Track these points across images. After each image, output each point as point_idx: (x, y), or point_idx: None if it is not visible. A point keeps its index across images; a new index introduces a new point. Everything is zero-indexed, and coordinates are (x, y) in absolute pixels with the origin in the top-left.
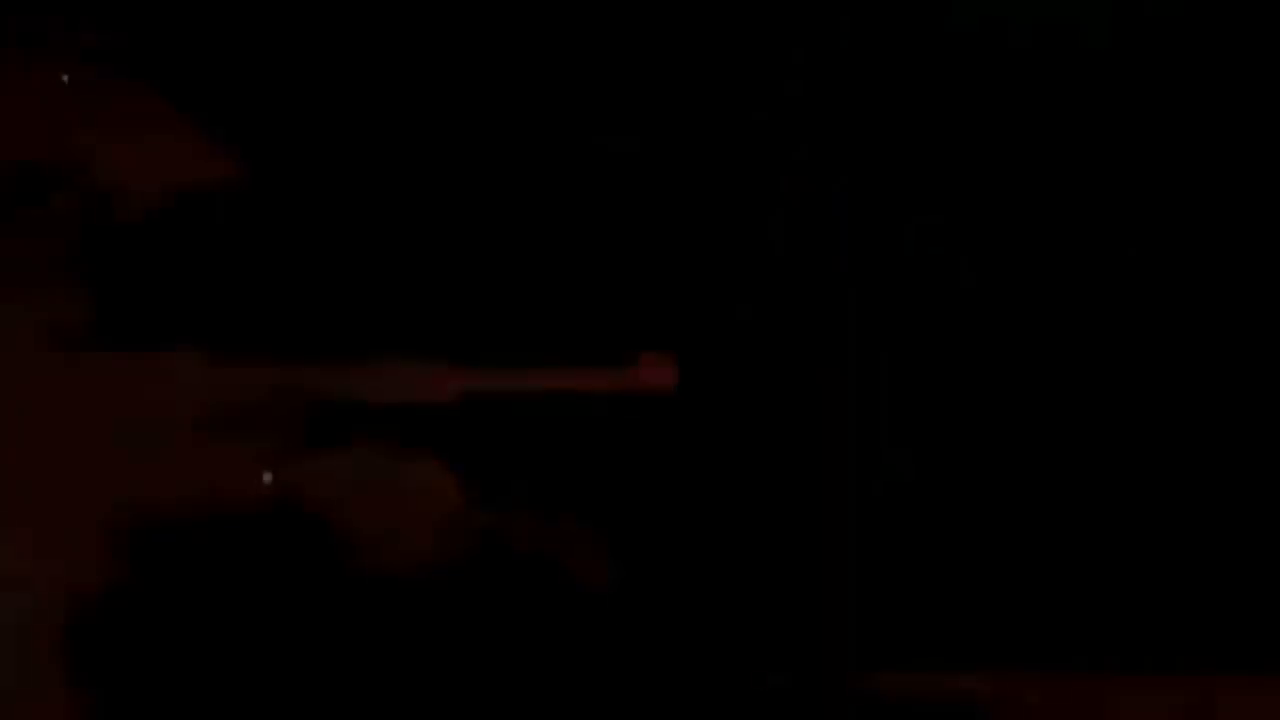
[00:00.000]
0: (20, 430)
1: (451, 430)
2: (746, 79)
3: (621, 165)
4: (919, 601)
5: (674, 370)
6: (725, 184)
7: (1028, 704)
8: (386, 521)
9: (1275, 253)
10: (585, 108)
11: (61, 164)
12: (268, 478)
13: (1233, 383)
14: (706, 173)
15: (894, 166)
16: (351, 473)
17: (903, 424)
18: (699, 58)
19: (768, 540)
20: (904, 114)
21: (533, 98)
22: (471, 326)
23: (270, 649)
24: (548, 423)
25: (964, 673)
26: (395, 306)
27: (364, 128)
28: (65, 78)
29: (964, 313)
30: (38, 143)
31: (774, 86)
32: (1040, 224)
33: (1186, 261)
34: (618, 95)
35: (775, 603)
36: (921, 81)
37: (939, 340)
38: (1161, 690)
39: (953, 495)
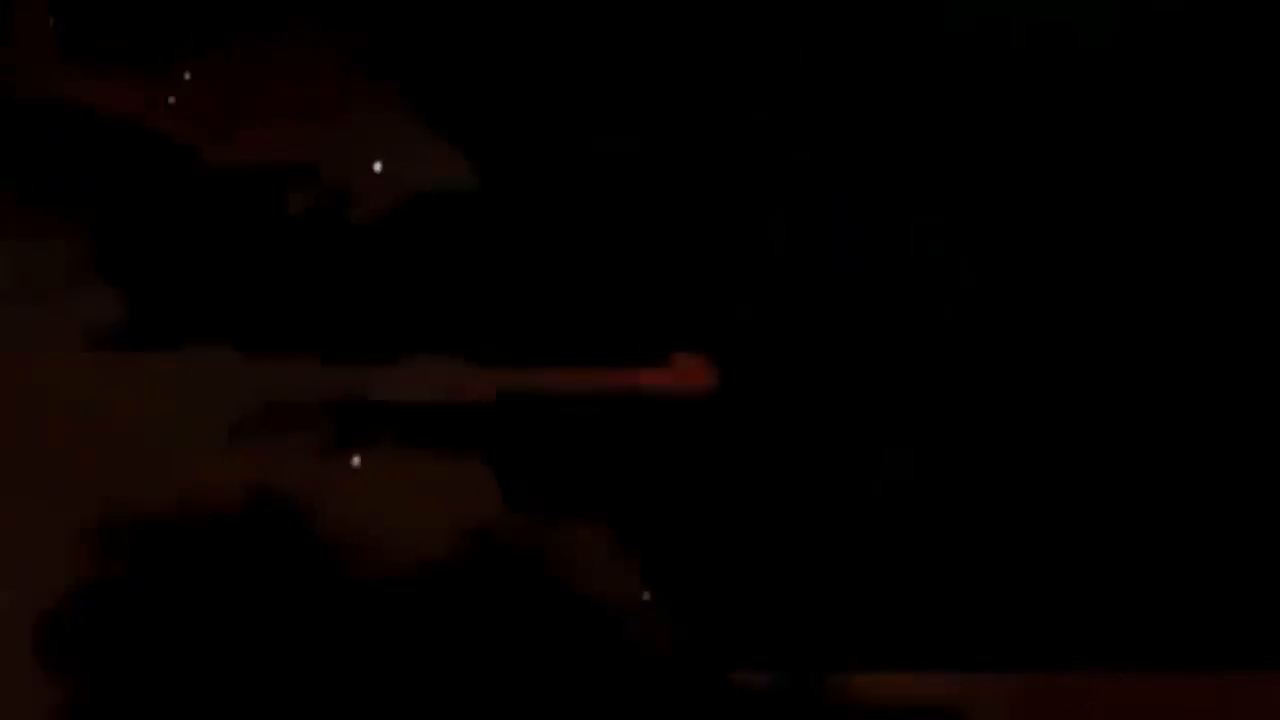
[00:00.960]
0: (44, 429)
1: (477, 430)
2: (747, 79)
3: (626, 166)
4: (918, 601)
5: (698, 371)
6: (724, 184)
7: (1025, 703)
8: (404, 524)
9: (1275, 253)
10: (593, 108)
11: (297, 164)
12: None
13: (1232, 383)
14: (703, 173)
15: (894, 166)
16: (372, 474)
17: (903, 424)
18: (700, 58)
19: (766, 540)
20: (904, 114)
21: (548, 97)
22: (497, 327)
23: (283, 650)
24: (563, 423)
25: (959, 673)
26: (421, 307)
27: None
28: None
29: (964, 313)
30: (275, 143)
31: (774, 87)
32: (1040, 224)
33: (1187, 261)
34: (623, 96)
35: (771, 602)
36: (921, 81)
37: (938, 340)
38: (1159, 689)
39: (951, 495)
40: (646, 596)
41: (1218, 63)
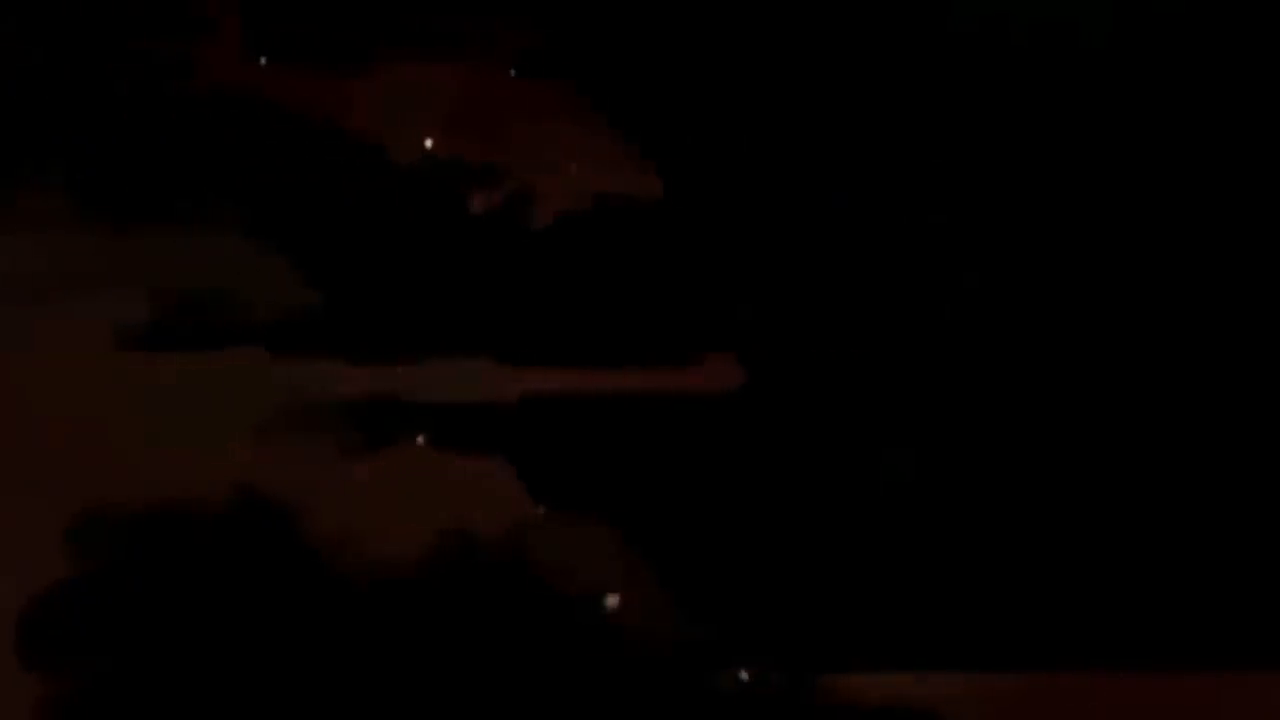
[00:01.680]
0: (44, 429)
1: (500, 430)
2: (750, 82)
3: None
4: (918, 601)
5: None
6: (726, 186)
7: (1025, 703)
8: (406, 524)
9: (1275, 253)
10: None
11: (483, 164)
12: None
13: (1232, 383)
14: (705, 178)
15: (895, 166)
16: (376, 474)
17: (903, 424)
18: (703, 61)
19: (766, 540)
20: (905, 114)
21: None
22: (522, 326)
23: (285, 650)
24: (564, 422)
25: (959, 673)
26: (447, 308)
27: None
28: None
29: (965, 313)
30: (461, 142)
31: (777, 90)
32: (1041, 224)
33: (1186, 261)
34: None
35: (770, 602)
36: (922, 81)
37: (936, 340)
38: (1159, 689)
39: (952, 495)
40: (648, 596)
41: (1218, 63)
